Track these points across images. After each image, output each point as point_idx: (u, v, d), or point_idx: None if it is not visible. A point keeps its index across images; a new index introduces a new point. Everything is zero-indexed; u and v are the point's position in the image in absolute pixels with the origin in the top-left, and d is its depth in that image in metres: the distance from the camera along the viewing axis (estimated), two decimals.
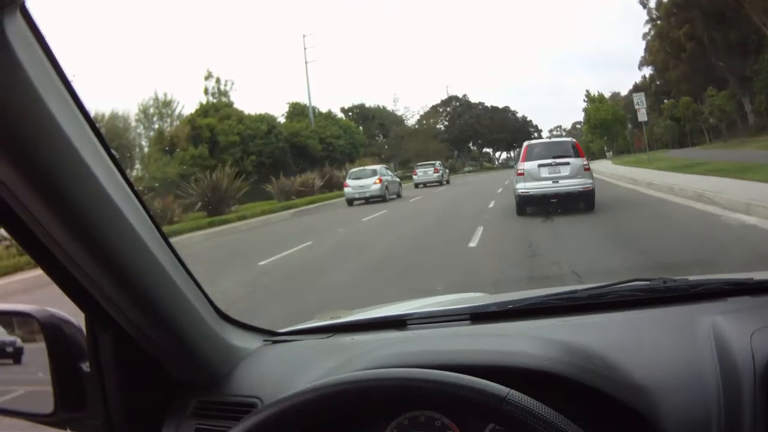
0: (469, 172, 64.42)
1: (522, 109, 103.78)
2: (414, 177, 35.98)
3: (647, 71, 69.75)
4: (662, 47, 61.40)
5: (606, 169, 28.01)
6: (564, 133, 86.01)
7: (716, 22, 52.40)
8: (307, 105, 46.40)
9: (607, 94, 64.91)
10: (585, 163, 11.84)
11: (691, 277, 1.22)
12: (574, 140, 13.30)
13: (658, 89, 68.18)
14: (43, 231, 0.80)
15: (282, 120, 44.29)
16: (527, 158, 12.12)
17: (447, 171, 39.79)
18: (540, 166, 11.77)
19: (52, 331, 1.04)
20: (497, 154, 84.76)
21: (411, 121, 69.76)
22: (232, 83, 44.66)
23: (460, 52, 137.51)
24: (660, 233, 8.31)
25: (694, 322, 0.97)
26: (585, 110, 60.29)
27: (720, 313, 0.98)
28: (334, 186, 31.83)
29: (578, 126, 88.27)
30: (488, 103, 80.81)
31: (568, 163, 11.69)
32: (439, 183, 34.65)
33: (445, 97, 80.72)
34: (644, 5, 62.58)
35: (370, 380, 0.80)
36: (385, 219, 15.99)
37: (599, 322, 1.09)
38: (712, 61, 55.11)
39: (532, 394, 0.74)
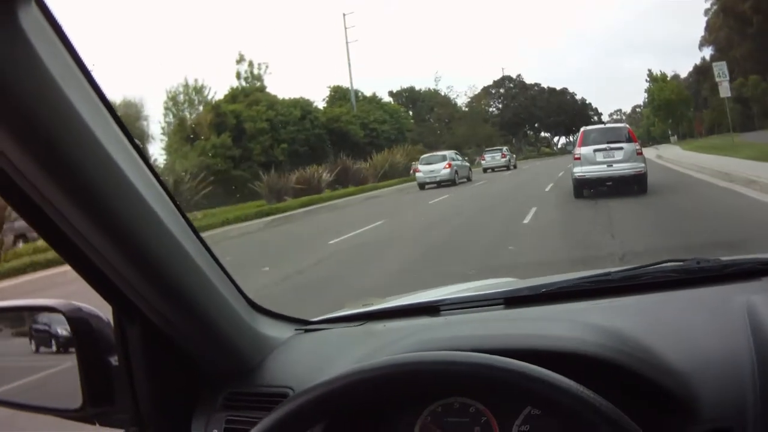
0: (528, 158, 62.21)
1: (580, 91, 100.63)
2: (482, 162, 37.28)
3: (707, 52, 66.48)
4: (725, 23, 58.43)
5: (675, 156, 22.78)
6: (624, 117, 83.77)
7: None
8: (349, 88, 45.09)
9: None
10: (638, 147, 12.52)
11: (724, 258, 1.19)
12: (627, 126, 14.09)
13: None
14: (67, 222, 0.80)
15: (322, 105, 42.48)
16: (583, 143, 12.78)
17: (513, 156, 41.02)
18: (595, 150, 12.40)
19: (80, 325, 1.03)
20: (555, 138, 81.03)
21: (459, 101, 68.30)
22: (267, 67, 42.36)
23: (513, 32, 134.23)
24: None
25: (728, 303, 0.96)
26: (647, 90, 57.94)
27: (754, 293, 0.97)
28: (350, 181, 28.69)
29: (638, 110, 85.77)
30: (544, 85, 77.60)
31: (621, 148, 12.30)
32: (507, 167, 36.03)
33: (497, 77, 78.16)
34: None
35: (414, 363, 0.78)
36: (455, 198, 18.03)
37: (632, 305, 1.08)
38: None
39: (568, 377, 0.73)
